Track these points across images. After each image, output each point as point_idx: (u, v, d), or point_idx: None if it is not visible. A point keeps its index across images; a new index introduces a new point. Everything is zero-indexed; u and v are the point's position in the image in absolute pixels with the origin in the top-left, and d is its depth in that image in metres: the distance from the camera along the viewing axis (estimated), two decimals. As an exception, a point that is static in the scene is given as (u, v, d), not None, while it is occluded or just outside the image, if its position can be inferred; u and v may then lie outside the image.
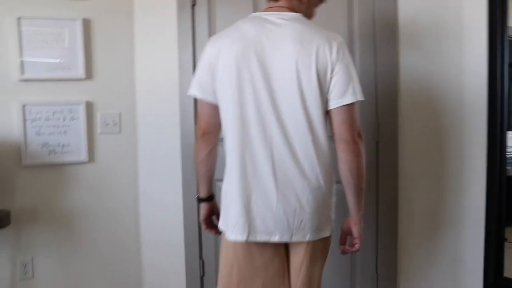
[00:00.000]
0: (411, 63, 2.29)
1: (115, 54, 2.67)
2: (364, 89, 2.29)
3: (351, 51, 2.33)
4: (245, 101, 1.55)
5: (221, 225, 1.71)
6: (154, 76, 2.69)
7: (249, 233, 1.56)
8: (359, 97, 1.55)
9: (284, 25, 1.55)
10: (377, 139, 2.35)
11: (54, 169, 2.58)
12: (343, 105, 1.52)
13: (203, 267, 2.69)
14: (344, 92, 1.52)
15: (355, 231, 1.64)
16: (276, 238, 1.56)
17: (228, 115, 1.60)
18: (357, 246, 1.65)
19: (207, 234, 2.63)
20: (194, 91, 1.67)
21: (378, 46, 2.32)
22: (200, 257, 2.69)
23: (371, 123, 2.35)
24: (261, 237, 1.57)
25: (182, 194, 2.68)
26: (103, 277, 2.73)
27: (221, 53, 1.57)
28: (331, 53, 1.51)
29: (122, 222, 2.76)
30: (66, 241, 2.64)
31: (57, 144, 2.56)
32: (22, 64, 2.45)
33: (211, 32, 2.52)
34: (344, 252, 1.71)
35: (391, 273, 2.39)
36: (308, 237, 1.56)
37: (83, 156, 2.61)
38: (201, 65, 1.65)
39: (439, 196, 2.30)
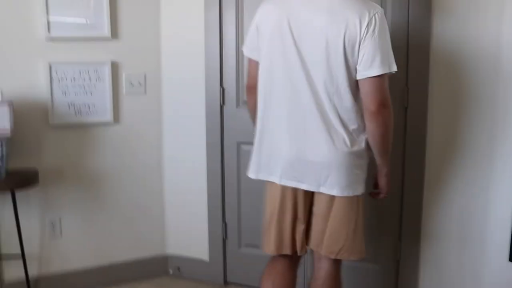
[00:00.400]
0: (444, 27, 2.18)
1: (141, 14, 2.64)
2: (394, 54, 2.25)
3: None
4: (278, 64, 1.70)
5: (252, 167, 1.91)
6: (180, 36, 2.66)
7: (281, 178, 1.76)
8: (388, 69, 1.61)
9: None
10: (406, 105, 2.29)
11: (80, 129, 2.60)
12: (369, 77, 1.60)
13: (226, 230, 2.71)
14: (371, 64, 1.58)
15: (381, 182, 1.85)
16: (303, 186, 1.74)
17: (263, 74, 1.76)
18: (381, 195, 1.88)
19: (230, 198, 2.66)
20: (244, 49, 1.87)
21: (411, 9, 2.23)
22: (223, 220, 2.70)
23: (400, 88, 2.28)
24: (291, 183, 1.75)
25: (206, 157, 2.68)
26: (127, 237, 2.78)
27: (265, 18, 1.74)
28: (361, 26, 1.57)
29: (146, 184, 2.78)
30: (91, 201, 2.68)
31: (83, 104, 2.57)
32: (48, 23, 2.44)
33: (238, -9, 2.46)
34: (371, 195, 1.91)
35: (414, 242, 2.37)
36: (335, 192, 1.70)
37: (108, 116, 2.62)
38: (251, 27, 1.82)
39: (467, 166, 2.23)
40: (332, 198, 1.73)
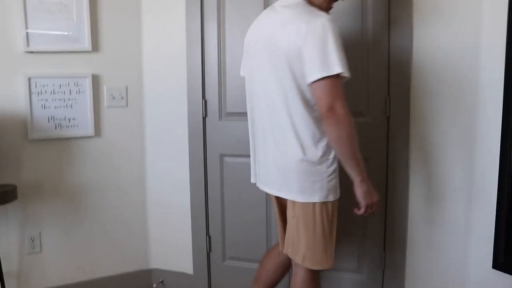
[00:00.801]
0: (425, 37, 2.21)
1: (122, 26, 2.63)
2: (375, 63, 2.27)
3: (364, 22, 2.28)
4: (249, 80, 1.89)
5: None
6: (161, 49, 2.65)
7: (258, 182, 1.97)
8: (328, 72, 1.59)
9: (280, 12, 1.74)
10: (388, 114, 2.30)
11: (60, 143, 2.56)
12: (312, 82, 1.62)
13: (210, 243, 2.68)
14: (312, 69, 1.61)
15: (356, 193, 1.75)
16: (266, 189, 1.90)
17: (246, 89, 1.95)
18: (361, 209, 1.76)
19: (214, 210, 2.64)
20: (240, 70, 2.03)
21: (392, 18, 2.25)
22: (207, 233, 2.68)
23: (381, 98, 2.29)
24: (263, 188, 1.93)
25: (189, 170, 2.65)
26: (110, 252, 2.74)
27: (247, 38, 1.90)
28: (301, 34, 1.62)
29: (128, 198, 2.75)
30: (72, 216, 2.63)
31: (63, 117, 2.53)
32: (27, 35, 2.41)
33: (219, 3, 2.46)
34: (355, 211, 1.82)
35: (399, 251, 2.37)
36: (290, 196, 1.78)
37: (89, 130, 2.58)
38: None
39: (450, 174, 2.26)
40: (293, 204, 1.78)
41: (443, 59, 2.20)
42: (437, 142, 2.26)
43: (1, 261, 2.36)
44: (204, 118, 2.58)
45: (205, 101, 2.57)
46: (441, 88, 2.23)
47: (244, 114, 2.01)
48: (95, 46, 2.55)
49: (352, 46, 2.31)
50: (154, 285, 2.81)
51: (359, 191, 1.73)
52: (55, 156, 2.56)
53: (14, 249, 2.53)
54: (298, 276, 1.86)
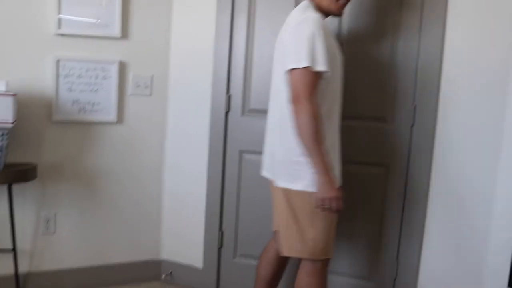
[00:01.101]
0: (456, 47, 2.18)
1: (152, 15, 2.64)
2: (404, 69, 2.25)
3: (392, 25, 2.26)
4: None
5: None
6: (190, 40, 2.65)
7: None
8: (296, 64, 1.69)
9: (290, 13, 1.89)
10: (412, 122, 2.27)
11: (83, 127, 2.58)
12: (287, 71, 1.74)
13: (222, 239, 2.68)
14: (288, 60, 1.74)
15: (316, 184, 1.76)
16: (263, 172, 2.05)
17: None
18: (315, 202, 1.76)
19: (229, 206, 2.63)
20: None
21: (424, 23, 2.22)
22: (220, 228, 2.67)
23: (407, 105, 2.27)
24: (262, 172, 2.07)
25: (207, 164, 2.65)
26: (122, 239, 2.75)
27: None
28: (287, 33, 1.79)
29: (144, 187, 2.76)
30: (88, 200, 2.65)
31: (88, 102, 2.56)
32: (59, 20, 2.44)
33: (251, -2, 2.47)
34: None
35: (413, 262, 2.34)
36: (278, 182, 1.88)
37: (112, 116, 2.60)
38: None
39: (475, 186, 2.20)
40: (281, 192, 1.88)
41: (474, 68, 2.16)
42: (463, 152, 2.21)
43: (16, 239, 2.39)
44: (226, 113, 2.58)
45: (229, 96, 2.56)
46: (472, 98, 2.18)
47: (267, 111, 2.03)
48: (125, 33, 2.57)
49: (378, 50, 2.30)
50: (163, 276, 2.82)
51: (317, 183, 1.74)
52: (76, 139, 2.58)
53: (29, 228, 2.55)
54: (304, 267, 1.91)
